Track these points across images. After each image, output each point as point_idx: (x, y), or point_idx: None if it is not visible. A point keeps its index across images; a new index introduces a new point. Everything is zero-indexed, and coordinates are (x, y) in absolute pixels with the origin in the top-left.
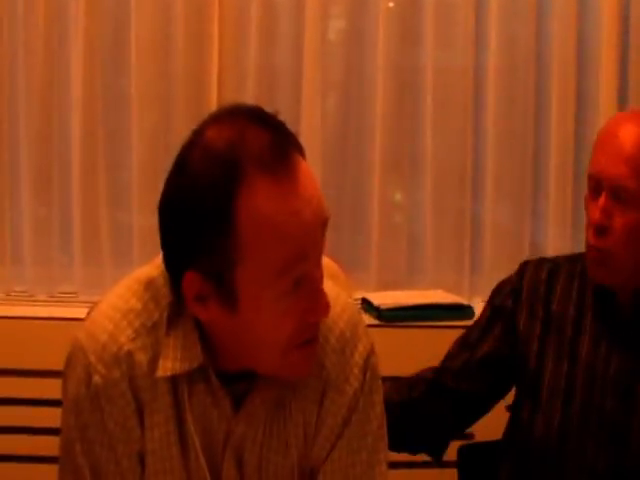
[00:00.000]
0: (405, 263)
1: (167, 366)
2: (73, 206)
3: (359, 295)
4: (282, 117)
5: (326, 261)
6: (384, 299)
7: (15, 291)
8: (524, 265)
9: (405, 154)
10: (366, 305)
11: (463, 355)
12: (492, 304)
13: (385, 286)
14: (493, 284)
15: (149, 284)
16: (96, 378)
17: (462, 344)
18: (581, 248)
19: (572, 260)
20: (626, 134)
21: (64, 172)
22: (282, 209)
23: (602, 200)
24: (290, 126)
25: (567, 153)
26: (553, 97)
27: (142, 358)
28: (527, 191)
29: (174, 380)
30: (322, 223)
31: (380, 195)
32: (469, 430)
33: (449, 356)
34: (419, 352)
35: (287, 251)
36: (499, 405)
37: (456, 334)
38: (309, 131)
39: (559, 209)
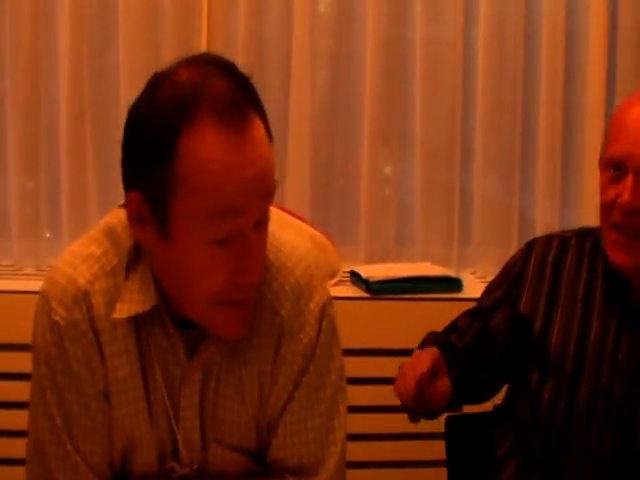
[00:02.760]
0: (394, 236)
1: (123, 308)
2: (61, 179)
3: (348, 268)
4: (271, 89)
5: (314, 233)
6: (373, 272)
7: (2, 265)
8: (531, 245)
9: (394, 127)
10: (355, 278)
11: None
12: (497, 289)
13: (374, 259)
14: (482, 257)
15: (109, 231)
16: (58, 320)
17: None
18: (570, 220)
19: (581, 236)
20: None
21: (52, 144)
22: (221, 160)
23: (630, 181)
24: (279, 99)
25: (556, 127)
26: (542, 71)
27: (99, 300)
28: (516, 164)
29: (136, 323)
30: (264, 189)
31: (369, 168)
32: None
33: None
34: (408, 324)
35: (218, 201)
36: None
37: (444, 306)
38: (298, 104)
39: (548, 182)
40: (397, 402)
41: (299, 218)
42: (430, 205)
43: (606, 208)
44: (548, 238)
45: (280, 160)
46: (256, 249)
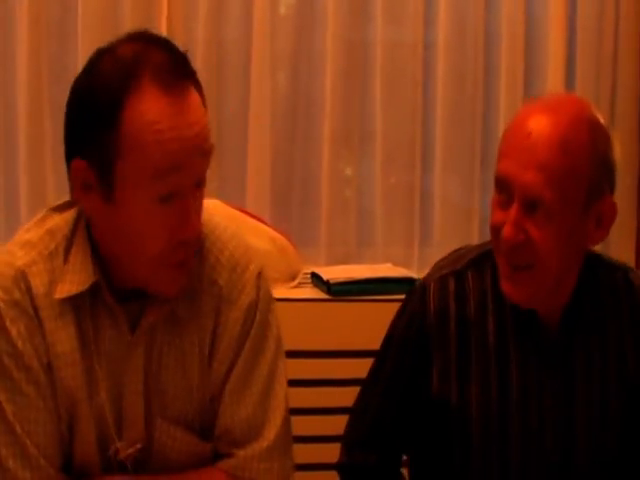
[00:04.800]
0: (355, 237)
1: (64, 288)
2: (20, 185)
3: (309, 270)
4: (231, 91)
5: (275, 235)
6: (334, 273)
7: None
8: (423, 292)
9: (355, 128)
10: (316, 279)
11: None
12: (396, 354)
13: (335, 260)
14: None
15: (43, 220)
16: None
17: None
18: None
19: (477, 265)
20: (539, 134)
21: (10, 151)
22: (165, 119)
23: (514, 213)
24: (239, 101)
25: None
26: (502, 72)
27: (38, 281)
28: (476, 165)
29: (75, 303)
30: (203, 148)
31: (329, 169)
32: None
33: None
34: (369, 326)
35: (162, 158)
36: None
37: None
38: (258, 105)
39: None
40: None
41: (260, 220)
42: (391, 206)
43: (494, 232)
44: (442, 281)
45: (241, 162)
46: (196, 206)
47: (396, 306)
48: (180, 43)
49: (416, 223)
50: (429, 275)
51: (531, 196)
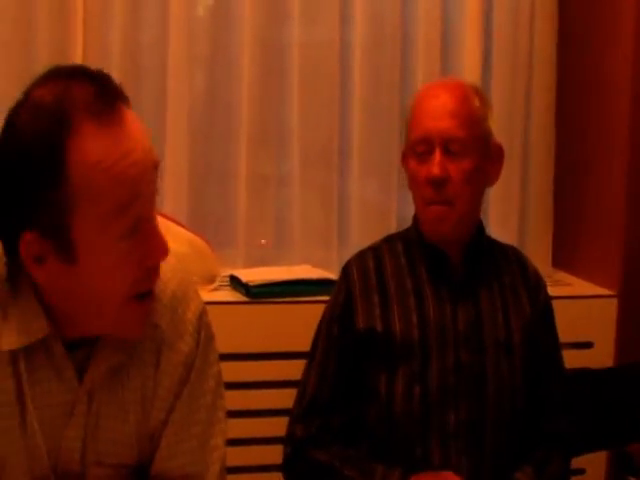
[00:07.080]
0: (273, 239)
1: (7, 340)
2: None
3: (227, 272)
4: (148, 93)
5: (193, 238)
6: (252, 276)
7: None
8: (346, 267)
9: (272, 129)
10: (234, 282)
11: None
12: (331, 334)
13: (254, 262)
14: None
15: None
16: None
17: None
18: None
19: (389, 241)
20: (444, 94)
21: None
22: (112, 151)
23: (437, 155)
24: (156, 103)
25: None
26: (418, 73)
27: None
28: (393, 166)
29: (13, 353)
30: (153, 164)
31: (247, 171)
32: None
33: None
34: (288, 328)
35: (121, 192)
36: None
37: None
38: (176, 107)
39: None
40: (277, 405)
41: (177, 223)
42: (308, 207)
43: (419, 187)
44: (361, 253)
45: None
46: (157, 226)
47: (315, 307)
48: (96, 45)
49: (334, 224)
50: (350, 258)
51: (449, 137)
